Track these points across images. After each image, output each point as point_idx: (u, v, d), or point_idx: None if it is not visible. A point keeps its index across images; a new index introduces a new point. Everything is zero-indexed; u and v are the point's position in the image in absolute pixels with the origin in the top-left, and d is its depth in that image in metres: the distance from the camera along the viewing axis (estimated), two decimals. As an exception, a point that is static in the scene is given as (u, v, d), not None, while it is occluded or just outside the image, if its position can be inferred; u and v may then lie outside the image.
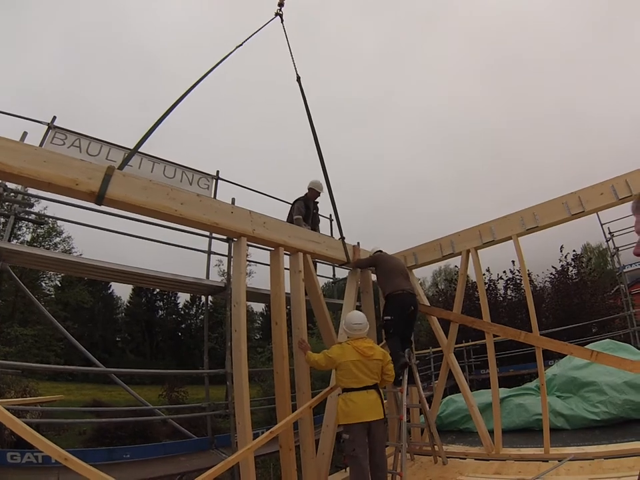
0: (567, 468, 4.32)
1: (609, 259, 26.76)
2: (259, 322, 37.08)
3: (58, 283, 29.76)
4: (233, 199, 5.97)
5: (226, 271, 7.21)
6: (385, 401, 4.21)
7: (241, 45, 5.14)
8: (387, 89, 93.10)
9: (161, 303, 40.52)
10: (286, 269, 4.97)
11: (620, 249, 12.32)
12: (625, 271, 12.80)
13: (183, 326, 40.10)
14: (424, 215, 62.90)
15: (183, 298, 40.06)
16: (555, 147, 68.25)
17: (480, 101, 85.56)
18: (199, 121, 73.02)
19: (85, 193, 3.31)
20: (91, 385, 24.16)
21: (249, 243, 4.53)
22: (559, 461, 4.50)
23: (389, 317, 5.30)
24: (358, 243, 6.25)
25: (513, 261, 15.29)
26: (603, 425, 6.57)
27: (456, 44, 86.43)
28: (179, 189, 4.59)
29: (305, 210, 6.73)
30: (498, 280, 16.11)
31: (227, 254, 6.73)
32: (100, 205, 3.47)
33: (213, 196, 6.68)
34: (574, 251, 16.24)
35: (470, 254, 5.89)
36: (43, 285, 27.85)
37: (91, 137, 5.90)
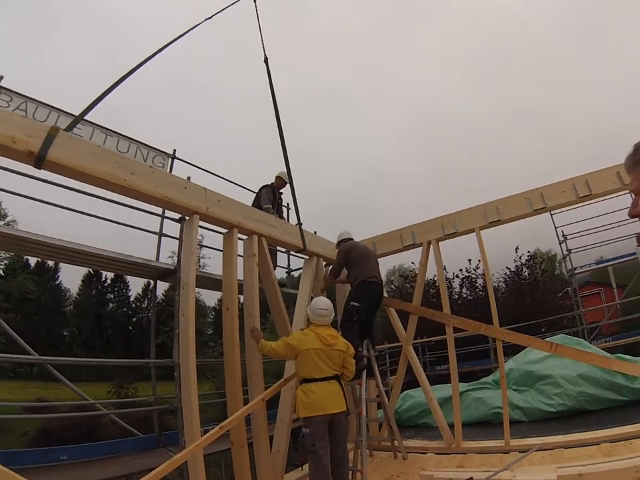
0: (529, 459, 4.32)
1: (557, 264, 28.24)
2: (212, 317, 35.96)
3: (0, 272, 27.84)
4: (189, 177, 5.60)
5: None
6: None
7: (210, 17, 4.81)
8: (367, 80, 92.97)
9: (112, 296, 38.69)
10: (240, 255, 4.64)
11: (572, 251, 13.02)
12: (576, 272, 13.33)
13: (134, 319, 38.33)
14: (392, 208, 63.21)
15: (135, 290, 38.69)
16: (528, 144, 70.61)
17: (459, 95, 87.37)
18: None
19: (22, 153, 2.86)
20: (35, 382, 22.59)
21: (201, 222, 4.18)
22: (520, 452, 4.52)
23: (356, 304, 5.03)
24: (315, 232, 6.06)
25: (470, 260, 15.66)
26: (559, 416, 6.67)
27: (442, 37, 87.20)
28: (130, 158, 4.20)
29: (272, 197, 6.64)
30: (454, 278, 16.32)
31: (178, 237, 6.34)
32: (39, 168, 3.01)
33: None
34: (528, 252, 16.70)
35: (431, 245, 5.81)
36: (-19, 274, 26.01)
37: (39, 101, 5.44)
